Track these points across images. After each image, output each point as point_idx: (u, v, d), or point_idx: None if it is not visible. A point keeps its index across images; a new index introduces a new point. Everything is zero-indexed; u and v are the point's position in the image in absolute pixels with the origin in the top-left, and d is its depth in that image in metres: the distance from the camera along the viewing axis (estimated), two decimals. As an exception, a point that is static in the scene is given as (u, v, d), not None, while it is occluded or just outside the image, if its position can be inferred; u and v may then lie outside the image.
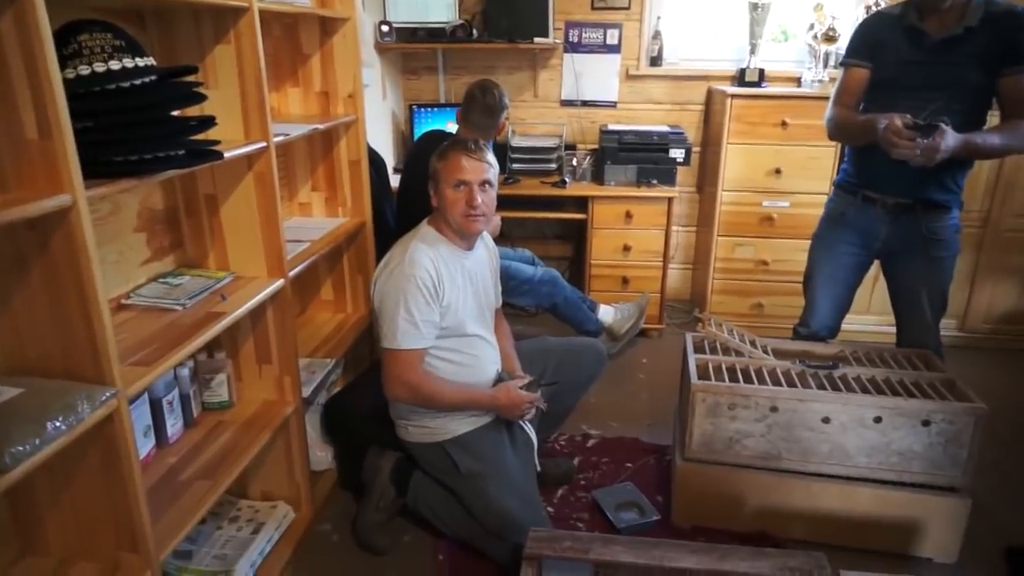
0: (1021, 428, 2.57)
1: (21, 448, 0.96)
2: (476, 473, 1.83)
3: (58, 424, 1.02)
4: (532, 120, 3.68)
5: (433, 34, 3.41)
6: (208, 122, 1.33)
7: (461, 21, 3.37)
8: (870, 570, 1.48)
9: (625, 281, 3.27)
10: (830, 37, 3.17)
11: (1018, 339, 3.18)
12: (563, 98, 3.66)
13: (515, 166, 3.40)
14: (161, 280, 1.65)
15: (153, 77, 1.21)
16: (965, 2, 1.88)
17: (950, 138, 1.77)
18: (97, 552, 1.26)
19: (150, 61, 1.22)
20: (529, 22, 3.36)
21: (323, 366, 2.09)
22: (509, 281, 2.79)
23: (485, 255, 2.04)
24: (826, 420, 1.87)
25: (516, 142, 3.44)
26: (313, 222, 2.30)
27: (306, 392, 1.94)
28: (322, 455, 2.12)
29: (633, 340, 3.22)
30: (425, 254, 1.80)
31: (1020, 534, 1.98)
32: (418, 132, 3.48)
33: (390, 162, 3.44)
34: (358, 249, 2.39)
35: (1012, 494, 2.18)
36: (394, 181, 2.98)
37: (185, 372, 1.68)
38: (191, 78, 1.29)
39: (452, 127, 3.18)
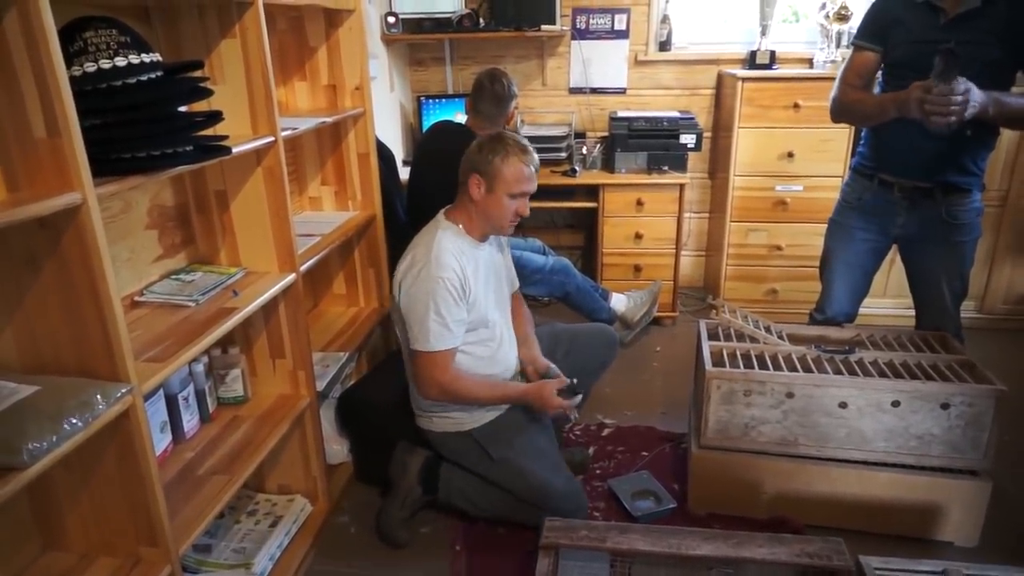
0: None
1: (38, 445, 0.96)
2: (508, 457, 1.86)
3: (74, 421, 1.03)
4: (541, 109, 3.65)
5: (440, 24, 3.39)
6: (215, 117, 1.32)
7: (467, 10, 3.35)
8: (890, 555, 1.47)
9: (637, 269, 3.26)
10: (842, 16, 3.12)
11: (1039, 320, 3.13)
12: (572, 86, 3.63)
13: (526, 156, 3.37)
14: (173, 277, 1.66)
15: (159, 73, 1.22)
16: None
17: (976, 93, 1.69)
18: (117, 547, 1.27)
19: (156, 57, 1.22)
20: (536, 9, 3.33)
21: (337, 360, 2.10)
22: (521, 271, 2.76)
23: (493, 243, 2.03)
24: (843, 405, 1.85)
25: (525, 131, 3.41)
26: (323, 216, 2.30)
27: (320, 385, 1.95)
28: (338, 448, 2.13)
29: (647, 328, 3.20)
30: (450, 253, 1.79)
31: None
32: (427, 124, 3.47)
33: (399, 155, 3.42)
34: (369, 242, 2.39)
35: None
36: (403, 173, 2.98)
37: (200, 368, 1.69)
38: (197, 73, 1.29)
39: (461, 118, 3.17)
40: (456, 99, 3.52)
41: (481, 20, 3.38)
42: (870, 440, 1.87)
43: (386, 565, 1.87)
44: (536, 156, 1.87)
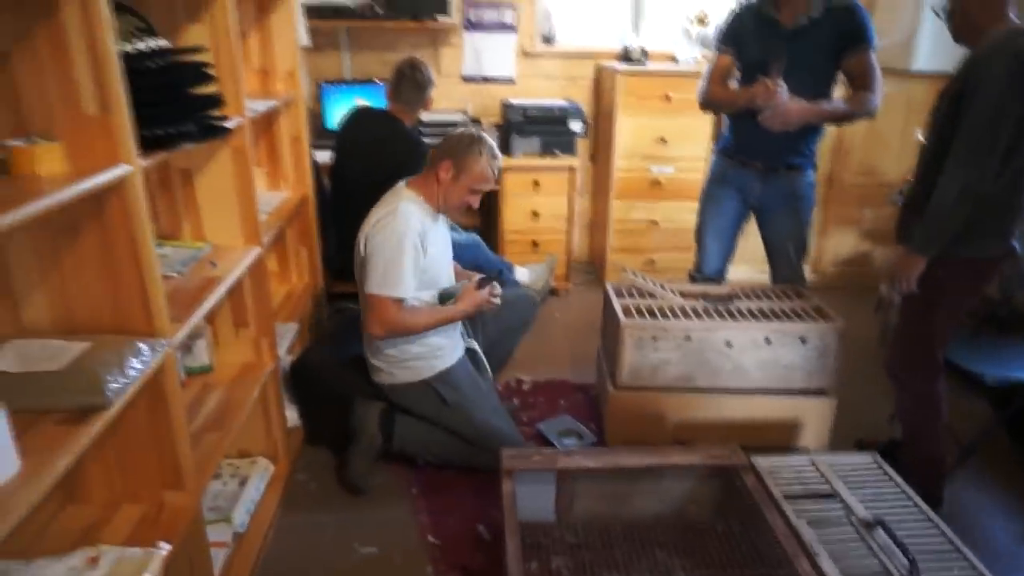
0: (864, 349, 3.15)
1: (118, 385, 1.09)
2: (459, 402, 2.10)
3: (137, 365, 1.15)
4: (436, 96, 3.81)
5: (338, 11, 3.50)
6: (215, 100, 1.45)
7: None
8: (770, 458, 1.89)
9: (535, 244, 3.58)
10: (701, 20, 3.61)
11: (859, 278, 3.81)
12: (464, 74, 3.87)
13: (426, 140, 3.57)
14: (145, 251, 1.73)
15: (169, 58, 1.33)
16: None
17: (793, 101, 2.23)
18: (142, 494, 1.37)
19: (164, 42, 1.33)
20: (431, 1, 3.53)
21: (288, 329, 2.22)
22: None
23: (443, 219, 2.26)
24: (729, 344, 2.27)
25: (425, 117, 3.61)
26: (260, 196, 2.38)
27: (280, 353, 2.07)
28: (290, 413, 2.26)
29: (546, 297, 3.53)
30: (414, 213, 2.03)
31: (865, 426, 2.49)
32: (328, 109, 3.58)
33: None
34: (302, 222, 2.51)
35: (859, 396, 2.71)
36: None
37: (171, 338, 1.77)
38: (198, 57, 1.41)
39: (361, 102, 3.32)
40: (355, 85, 3.65)
41: (378, 9, 3.53)
42: (749, 371, 2.30)
43: (352, 513, 2.04)
44: (501, 161, 2.16)
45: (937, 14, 1.95)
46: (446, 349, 2.15)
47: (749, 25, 2.41)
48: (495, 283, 2.21)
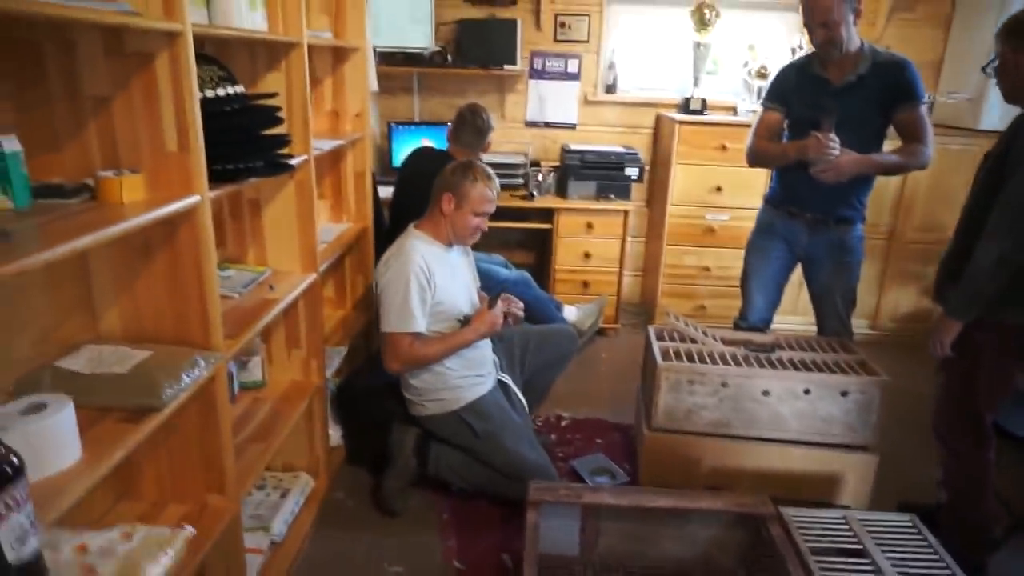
0: (920, 406, 3.05)
1: (171, 390, 1.22)
2: (490, 433, 2.17)
3: (191, 374, 1.28)
4: (499, 139, 4.00)
5: (411, 58, 3.72)
6: (283, 140, 1.61)
7: (438, 48, 3.70)
8: (802, 507, 1.87)
9: (585, 285, 3.65)
10: (762, 74, 3.65)
11: (919, 335, 3.69)
12: (528, 119, 4.02)
13: (485, 180, 3.72)
14: (212, 273, 1.90)
15: (244, 103, 1.50)
16: (856, 53, 2.32)
17: (845, 154, 2.23)
18: (187, 495, 1.50)
19: (241, 88, 1.50)
20: (499, 51, 3.72)
21: (338, 352, 2.36)
22: (487, 282, 3.10)
23: (459, 249, 2.37)
24: (766, 393, 2.27)
25: (486, 158, 3.76)
26: (323, 227, 2.56)
27: (328, 374, 2.20)
28: (333, 433, 2.38)
29: (593, 338, 3.58)
30: (418, 252, 2.14)
31: (913, 488, 2.41)
32: (396, 147, 3.78)
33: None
34: (360, 251, 2.67)
35: (910, 457, 2.64)
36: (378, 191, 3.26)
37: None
38: (271, 102, 1.57)
39: (427, 142, 3.50)
40: (423, 126, 3.85)
41: (449, 57, 3.74)
42: (786, 422, 2.29)
43: (383, 533, 2.13)
44: (498, 183, 2.26)
45: (988, 75, 1.95)
46: (471, 379, 2.23)
47: (795, 82, 2.46)
48: (505, 294, 2.28)
